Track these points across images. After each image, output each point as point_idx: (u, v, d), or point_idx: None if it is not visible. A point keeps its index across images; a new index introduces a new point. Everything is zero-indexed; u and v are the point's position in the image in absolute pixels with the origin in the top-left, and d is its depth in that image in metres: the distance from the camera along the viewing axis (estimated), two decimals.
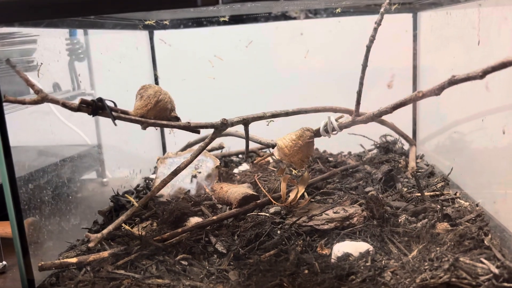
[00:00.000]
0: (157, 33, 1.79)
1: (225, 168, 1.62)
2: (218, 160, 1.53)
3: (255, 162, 1.29)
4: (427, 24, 1.58)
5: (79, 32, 1.71)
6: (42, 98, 0.90)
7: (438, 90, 0.89)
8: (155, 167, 1.54)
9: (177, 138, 1.64)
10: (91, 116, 0.95)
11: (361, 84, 1.08)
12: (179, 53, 1.78)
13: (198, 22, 1.70)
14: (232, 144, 1.77)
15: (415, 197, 1.27)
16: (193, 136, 1.68)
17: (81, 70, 1.72)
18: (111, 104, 1.00)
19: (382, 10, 1.04)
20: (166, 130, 1.87)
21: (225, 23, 1.66)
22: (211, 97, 1.80)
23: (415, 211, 1.17)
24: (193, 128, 1.10)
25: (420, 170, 1.52)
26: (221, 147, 1.76)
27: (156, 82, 1.81)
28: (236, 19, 1.67)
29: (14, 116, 1.33)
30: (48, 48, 1.59)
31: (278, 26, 1.68)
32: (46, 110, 1.54)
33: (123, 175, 1.61)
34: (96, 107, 0.94)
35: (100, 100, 0.95)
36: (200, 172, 1.48)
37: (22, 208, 1.02)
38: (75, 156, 1.62)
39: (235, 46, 1.73)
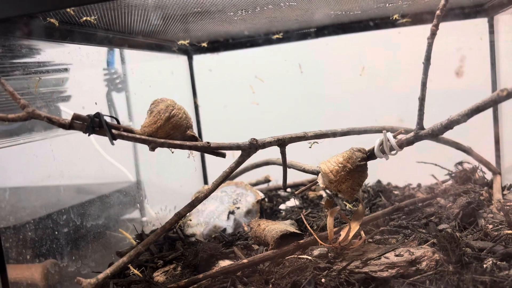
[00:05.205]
0: (196, 58, 1.65)
1: (270, 204, 1.41)
2: (261, 194, 1.32)
3: (296, 193, 1.07)
4: (506, 26, 1.32)
5: (117, 61, 1.62)
6: (28, 114, 0.76)
7: None
8: None
9: (215, 168, 1.47)
10: (87, 134, 0.79)
11: (423, 88, 0.85)
12: (219, 78, 1.62)
13: (238, 44, 1.55)
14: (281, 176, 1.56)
15: (504, 235, 0.98)
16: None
17: (119, 100, 1.62)
18: (114, 121, 0.84)
19: None
20: (208, 159, 1.70)
21: (266, 42, 1.50)
22: (256, 123, 1.62)
23: (506, 253, 0.89)
24: (214, 150, 0.91)
25: (508, 204, 1.22)
26: (267, 180, 1.56)
27: (196, 111, 1.66)
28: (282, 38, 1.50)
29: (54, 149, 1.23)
30: (83, 78, 1.50)
31: (328, 42, 1.49)
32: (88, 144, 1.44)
33: (154, 213, 1.45)
34: (92, 124, 0.78)
35: (98, 115, 0.79)
36: (238, 208, 1.28)
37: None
38: (112, 193, 1.49)
39: (281, 66, 1.55)
